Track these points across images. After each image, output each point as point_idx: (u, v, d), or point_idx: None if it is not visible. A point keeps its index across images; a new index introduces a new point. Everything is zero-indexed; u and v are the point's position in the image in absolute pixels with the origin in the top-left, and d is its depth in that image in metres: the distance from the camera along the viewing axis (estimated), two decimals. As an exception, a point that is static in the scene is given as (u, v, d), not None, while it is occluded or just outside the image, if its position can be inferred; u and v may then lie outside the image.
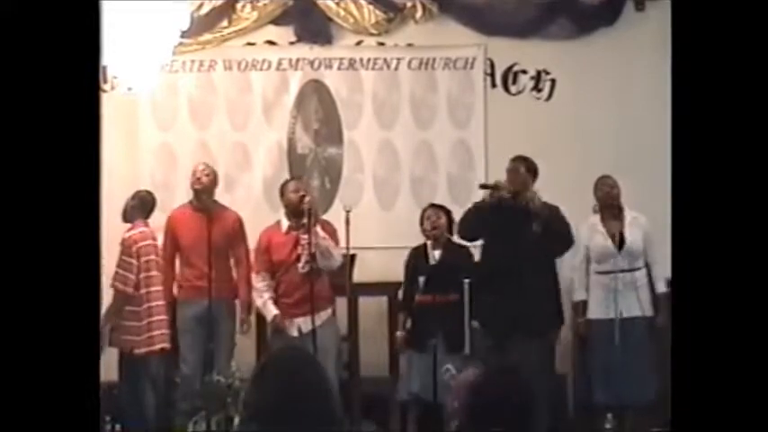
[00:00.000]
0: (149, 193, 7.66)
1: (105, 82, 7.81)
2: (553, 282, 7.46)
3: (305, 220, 7.45)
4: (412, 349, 7.44)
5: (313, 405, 2.93)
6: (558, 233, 7.35)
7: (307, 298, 7.37)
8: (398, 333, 7.60)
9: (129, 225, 7.42)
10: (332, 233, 7.50)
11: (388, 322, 8.03)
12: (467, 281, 7.03)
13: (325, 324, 7.51)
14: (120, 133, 8.41)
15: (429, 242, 7.61)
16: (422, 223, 7.66)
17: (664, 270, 7.41)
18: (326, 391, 2.98)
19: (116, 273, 7.29)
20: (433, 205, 7.79)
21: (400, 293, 7.74)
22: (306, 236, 7.42)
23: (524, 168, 7.45)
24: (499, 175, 8.78)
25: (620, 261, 7.52)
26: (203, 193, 7.75)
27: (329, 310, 7.62)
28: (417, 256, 7.63)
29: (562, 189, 8.06)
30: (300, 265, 7.47)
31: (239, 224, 7.85)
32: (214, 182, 7.87)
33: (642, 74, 8.47)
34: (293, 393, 2.93)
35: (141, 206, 7.48)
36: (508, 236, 7.27)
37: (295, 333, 7.44)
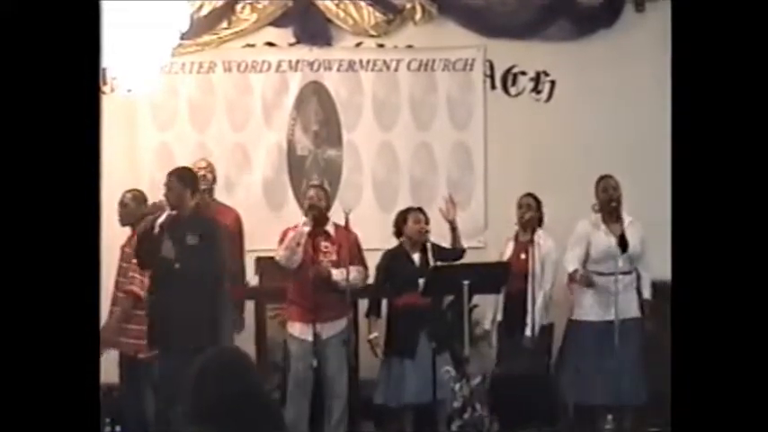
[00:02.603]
0: (141, 192, 7.52)
1: (105, 83, 7.80)
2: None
3: (328, 227, 7.46)
4: (399, 353, 7.43)
5: (246, 410, 2.95)
6: (209, 247, 6.79)
7: (326, 303, 7.28)
8: (374, 336, 7.58)
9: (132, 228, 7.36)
10: (354, 243, 7.45)
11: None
12: (466, 282, 7.02)
13: (342, 332, 7.40)
14: (120, 135, 8.41)
15: (408, 244, 7.58)
16: (404, 223, 7.62)
17: (654, 273, 7.40)
18: (258, 396, 3.01)
19: (131, 276, 7.24)
20: (419, 209, 7.73)
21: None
22: (327, 243, 7.38)
23: (177, 181, 6.89)
24: (499, 176, 8.78)
25: (621, 263, 7.46)
26: (206, 190, 7.67)
27: (347, 318, 7.43)
28: (396, 259, 7.60)
29: (561, 190, 8.06)
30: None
31: (239, 222, 7.82)
32: (214, 179, 7.89)
33: (642, 75, 8.47)
34: (225, 398, 2.97)
35: (135, 206, 7.41)
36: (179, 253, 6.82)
37: (310, 338, 7.33)
